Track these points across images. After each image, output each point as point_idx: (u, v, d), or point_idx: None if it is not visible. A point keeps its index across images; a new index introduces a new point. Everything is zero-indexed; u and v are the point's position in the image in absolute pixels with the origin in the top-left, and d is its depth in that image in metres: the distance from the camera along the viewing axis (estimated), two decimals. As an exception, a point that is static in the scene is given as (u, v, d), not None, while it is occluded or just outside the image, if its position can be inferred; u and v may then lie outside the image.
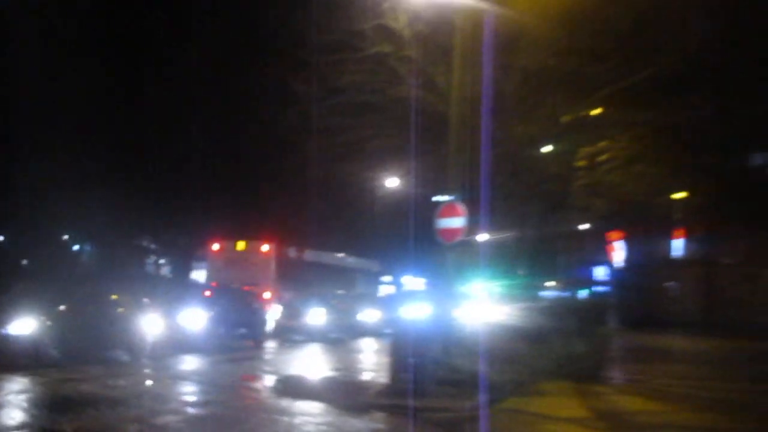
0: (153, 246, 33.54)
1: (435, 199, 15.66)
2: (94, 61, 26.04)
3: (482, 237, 35.30)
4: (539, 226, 28.56)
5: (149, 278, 30.08)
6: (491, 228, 29.77)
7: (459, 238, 14.83)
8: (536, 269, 30.22)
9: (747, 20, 21.95)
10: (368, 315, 31.60)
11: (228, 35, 26.91)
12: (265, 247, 29.34)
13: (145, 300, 20.34)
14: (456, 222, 14.82)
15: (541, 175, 26.25)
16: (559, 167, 26.66)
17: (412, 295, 31.68)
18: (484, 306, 29.63)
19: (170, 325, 20.71)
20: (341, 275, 34.68)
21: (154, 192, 28.36)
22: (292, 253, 30.62)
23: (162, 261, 34.66)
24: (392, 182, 33.66)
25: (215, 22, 27.61)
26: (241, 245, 29.38)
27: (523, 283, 29.03)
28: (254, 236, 29.89)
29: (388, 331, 27.20)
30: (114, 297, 19.49)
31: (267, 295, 27.84)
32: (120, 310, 19.34)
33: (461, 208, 14.82)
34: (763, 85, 23.98)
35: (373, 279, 38.48)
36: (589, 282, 47.80)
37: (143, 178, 27.75)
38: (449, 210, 14.99)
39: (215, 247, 29.83)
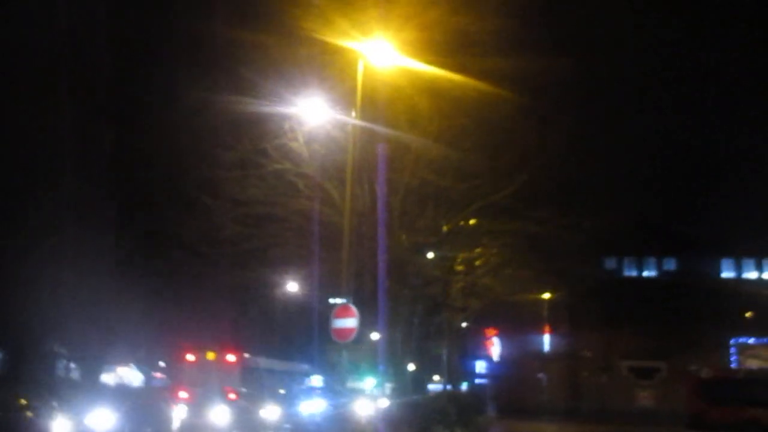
0: (63, 351, 32.05)
1: (331, 301, 15.11)
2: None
3: (374, 336, 35.27)
4: (425, 325, 28.60)
5: (58, 382, 28.45)
6: (382, 327, 30.94)
7: (352, 337, 14.37)
8: (423, 364, 30.12)
9: (590, 147, 22.88)
10: (270, 411, 30.49)
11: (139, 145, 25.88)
12: (231, 357, 31.29)
13: (54, 404, 18.72)
14: (349, 322, 14.68)
15: (426, 278, 26.34)
16: (441, 271, 26.83)
17: (310, 391, 30.88)
18: (376, 399, 29.66)
19: (78, 427, 18.77)
20: (282, 377, 36.54)
21: (68, 298, 27.25)
22: (251, 361, 32.74)
23: (72, 365, 33.08)
24: (293, 287, 33.46)
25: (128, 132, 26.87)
26: (211, 355, 31.28)
27: (412, 377, 29.03)
28: (219, 346, 31.77)
29: (287, 426, 26.26)
30: (22, 401, 18.17)
31: (232, 396, 28.41)
32: (29, 414, 17.69)
33: (353, 309, 14.53)
34: (606, 201, 25.04)
35: (301, 379, 39.17)
36: (470, 374, 47.88)
37: (56, 285, 26.64)
38: (343, 311, 14.85)
39: (190, 357, 31.37)
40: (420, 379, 30.84)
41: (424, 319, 28.06)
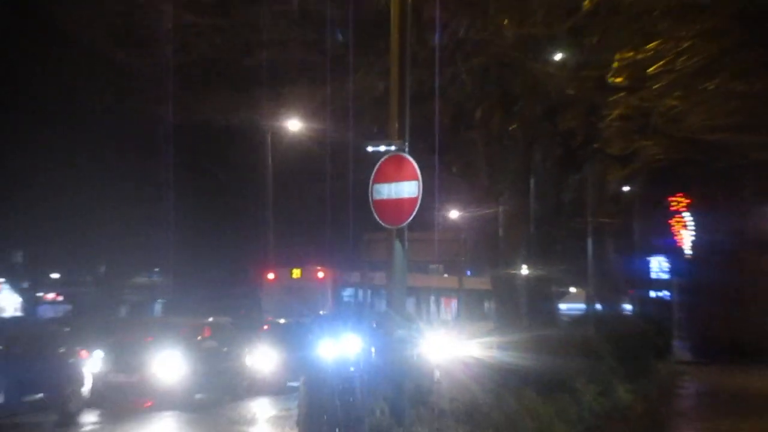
0: None
1: (369, 149, 14.72)
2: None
3: (452, 214, 35.40)
4: (550, 192, 28.74)
5: None
6: (468, 199, 31.58)
7: (410, 217, 14.36)
8: (547, 267, 29.63)
9: None
10: (261, 358, 31.69)
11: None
12: (320, 274, 43.97)
13: None
14: (405, 188, 14.33)
15: (550, 102, 26.55)
16: (580, 89, 26.70)
17: (333, 320, 31.74)
18: (460, 334, 30.32)
19: None
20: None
21: None
22: (343, 278, 44.96)
23: None
24: (294, 125, 33.75)
25: None
26: (296, 273, 44.23)
27: (530, 288, 28.61)
28: (306, 262, 45.17)
29: (295, 384, 27.08)
30: None
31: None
32: None
33: (411, 163, 14.37)
34: None
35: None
36: (639, 285, 49.12)
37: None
38: (392, 167, 14.55)
39: (270, 276, 44.25)
40: (543, 296, 29.67)
41: (549, 178, 28.31)
